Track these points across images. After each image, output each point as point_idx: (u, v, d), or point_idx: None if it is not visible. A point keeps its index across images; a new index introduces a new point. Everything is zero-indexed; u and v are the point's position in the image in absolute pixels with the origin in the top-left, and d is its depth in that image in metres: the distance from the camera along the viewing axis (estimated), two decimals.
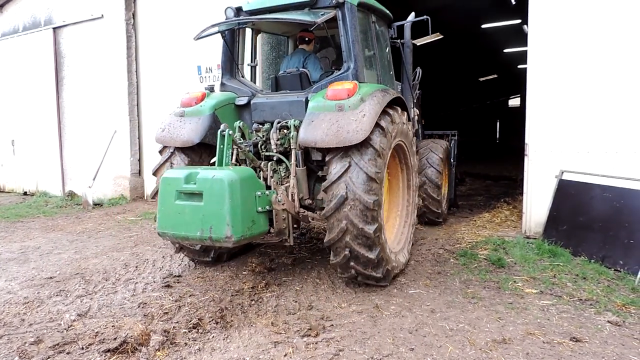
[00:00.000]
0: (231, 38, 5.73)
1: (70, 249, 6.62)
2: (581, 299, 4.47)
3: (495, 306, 4.34)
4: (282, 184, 4.86)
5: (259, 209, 4.28)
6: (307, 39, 5.92)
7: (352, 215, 4.29)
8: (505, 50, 23.60)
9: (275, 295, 4.64)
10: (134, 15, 10.38)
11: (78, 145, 11.35)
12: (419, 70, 7.15)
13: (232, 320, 4.06)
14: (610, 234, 5.48)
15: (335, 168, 4.40)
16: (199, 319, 4.04)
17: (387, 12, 6.17)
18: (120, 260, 5.96)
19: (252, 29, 5.92)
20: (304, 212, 4.86)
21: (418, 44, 6.88)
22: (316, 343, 3.64)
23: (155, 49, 10.24)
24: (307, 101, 4.97)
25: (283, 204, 4.48)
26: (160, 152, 5.40)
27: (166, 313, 4.22)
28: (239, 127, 4.97)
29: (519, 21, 17.14)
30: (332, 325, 3.96)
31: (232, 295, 4.63)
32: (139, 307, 4.38)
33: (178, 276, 5.25)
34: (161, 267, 5.64)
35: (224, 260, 5.66)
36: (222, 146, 4.58)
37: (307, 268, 5.48)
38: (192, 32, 9.60)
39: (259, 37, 6.37)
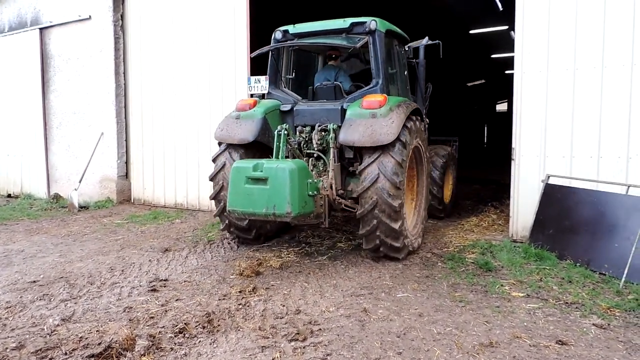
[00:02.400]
0: (277, 54, 6.75)
1: (54, 252, 6.52)
2: (567, 302, 4.51)
3: (482, 310, 4.36)
4: (320, 176, 5.80)
5: (310, 193, 5.26)
6: (334, 56, 6.96)
7: (381, 192, 5.37)
8: (493, 56, 23.88)
9: (263, 299, 4.61)
10: (122, 16, 10.29)
11: (64, 147, 11.20)
12: (430, 85, 7.87)
13: (219, 325, 4.02)
14: (596, 238, 5.54)
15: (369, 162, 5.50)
16: (185, 324, 3.99)
17: (406, 35, 7.28)
18: (105, 263, 5.88)
19: (290, 46, 6.83)
20: (339, 199, 5.79)
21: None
22: (304, 347, 3.62)
23: (144, 51, 10.16)
24: (342, 109, 6.04)
25: (327, 191, 5.52)
26: (214, 160, 6.44)
27: (152, 317, 4.16)
28: (285, 129, 5.73)
29: (506, 27, 17.36)
30: (320, 329, 3.94)
31: (219, 300, 4.60)
32: (124, 311, 4.33)
33: (164, 280, 5.20)
34: (147, 270, 5.58)
35: (262, 241, 6.63)
36: (278, 143, 5.64)
37: (295, 272, 5.46)
38: (181, 33, 9.62)
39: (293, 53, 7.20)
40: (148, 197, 10.35)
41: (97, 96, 10.52)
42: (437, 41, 7.19)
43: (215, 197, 6.35)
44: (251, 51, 8.77)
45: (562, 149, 6.36)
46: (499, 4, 15.84)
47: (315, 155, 6.09)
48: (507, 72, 26.42)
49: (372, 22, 6.12)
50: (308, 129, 6.23)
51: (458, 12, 16.88)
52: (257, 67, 9.17)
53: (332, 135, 5.91)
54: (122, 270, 5.58)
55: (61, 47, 11.04)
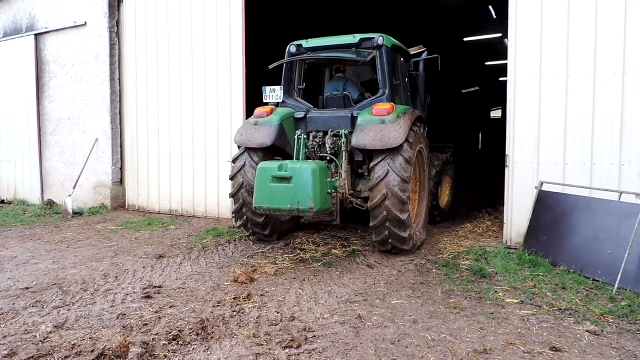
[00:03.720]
0: (291, 66, 7.33)
1: (47, 258, 6.48)
2: (560, 309, 4.53)
3: (476, 316, 4.37)
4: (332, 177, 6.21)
5: (328, 190, 5.79)
6: (342, 69, 7.59)
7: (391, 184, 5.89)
8: (487, 63, 24.04)
9: (257, 306, 4.60)
10: (117, 23, 10.31)
11: (58, 152, 11.16)
12: (428, 96, 8.34)
13: (212, 332, 4.01)
14: (589, 244, 5.57)
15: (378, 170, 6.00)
16: (179, 330, 3.98)
17: (407, 50, 7.97)
18: (99, 270, 5.85)
19: (303, 59, 7.38)
20: (350, 198, 6.34)
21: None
22: (298, 354, 3.61)
23: (139, 57, 10.15)
24: (352, 116, 6.58)
25: (342, 188, 6.09)
26: (234, 160, 6.93)
27: (145, 324, 4.14)
28: (303, 133, 6.43)
29: (499, 35, 17.50)
30: (315, 336, 3.93)
31: (214, 306, 4.58)
32: (117, 318, 4.30)
33: (158, 287, 5.18)
34: (141, 277, 5.56)
35: (275, 239, 7.15)
36: (298, 146, 6.31)
37: (290, 278, 5.46)
38: (177, 40, 9.63)
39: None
40: (142, 203, 10.32)
41: (91, 102, 10.51)
42: (435, 55, 7.66)
43: (234, 195, 6.83)
44: (245, 58, 8.85)
45: (555, 155, 6.41)
46: (493, 12, 16.01)
47: (327, 158, 6.57)
48: (500, 79, 26.61)
49: (379, 38, 6.71)
50: (320, 134, 6.74)
51: (453, 19, 17.02)
52: (252, 75, 9.22)
53: (343, 139, 6.43)
54: (116, 277, 5.55)
55: (56, 52, 11.03)
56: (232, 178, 6.88)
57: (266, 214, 6.56)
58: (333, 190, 5.89)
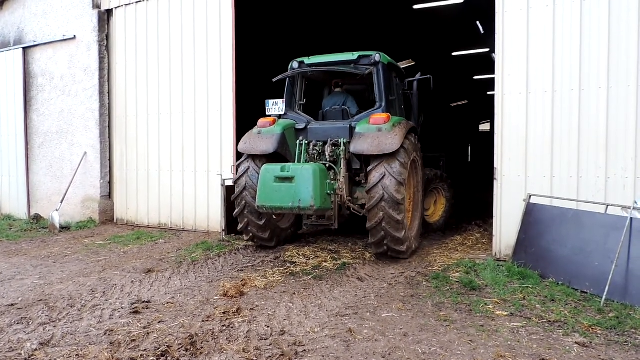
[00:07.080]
0: (293, 81, 7.76)
1: (34, 274, 6.38)
2: (550, 321, 4.55)
3: (467, 329, 4.37)
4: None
5: (328, 191, 6.22)
6: (340, 83, 8.02)
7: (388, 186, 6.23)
8: (475, 77, 24.36)
9: (247, 320, 4.56)
10: (107, 36, 10.32)
11: (46, 166, 11.05)
12: (422, 115, 8.75)
13: (202, 347, 3.96)
14: (576, 256, 5.62)
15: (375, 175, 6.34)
16: (167, 346, 3.92)
17: (402, 70, 8.49)
18: (87, 285, 5.77)
19: (304, 76, 7.86)
20: (348, 203, 6.72)
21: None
22: None
23: (129, 70, 10.15)
24: (350, 127, 6.99)
25: (341, 191, 6.46)
26: (237, 167, 7.35)
27: (133, 340, 4.08)
28: (305, 141, 7.05)
29: (487, 50, 17.78)
30: (305, 350, 3.90)
31: (203, 321, 4.53)
32: (105, 334, 4.24)
33: (147, 302, 5.11)
34: (130, 292, 5.49)
35: (275, 244, 7.46)
36: (300, 151, 6.94)
37: (280, 292, 5.42)
38: (166, 54, 9.66)
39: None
40: (131, 217, 10.23)
41: (80, 116, 10.45)
42: (428, 75, 8.11)
43: (237, 198, 7.14)
44: (236, 74, 8.89)
45: (542, 169, 6.49)
46: (481, 28, 16.28)
47: (327, 165, 6.87)
48: (489, 93, 26.95)
49: (376, 55, 7.22)
50: (320, 143, 7.14)
51: (442, 35, 17.27)
52: (243, 88, 9.25)
53: (342, 148, 6.86)
54: (104, 292, 5.47)
55: (45, 66, 10.99)
56: (235, 182, 7.20)
57: (267, 218, 6.97)
58: (332, 192, 6.28)
